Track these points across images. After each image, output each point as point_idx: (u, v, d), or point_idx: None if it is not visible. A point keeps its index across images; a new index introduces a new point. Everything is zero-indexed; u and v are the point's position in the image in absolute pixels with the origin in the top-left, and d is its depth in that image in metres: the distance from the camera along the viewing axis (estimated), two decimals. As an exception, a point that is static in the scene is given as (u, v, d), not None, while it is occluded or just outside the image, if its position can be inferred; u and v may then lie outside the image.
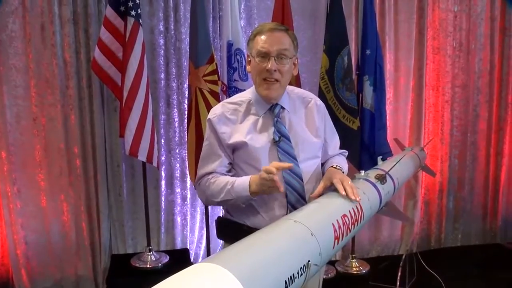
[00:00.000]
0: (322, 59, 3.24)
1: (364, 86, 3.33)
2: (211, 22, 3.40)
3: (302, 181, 1.69)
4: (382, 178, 2.02)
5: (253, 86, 1.76)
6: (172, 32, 3.42)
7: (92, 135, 3.30)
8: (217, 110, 1.75)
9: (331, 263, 3.59)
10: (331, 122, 1.94)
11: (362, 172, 2.02)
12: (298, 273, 1.10)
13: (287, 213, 1.60)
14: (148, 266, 3.22)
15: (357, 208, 1.59)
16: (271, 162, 1.56)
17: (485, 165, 4.21)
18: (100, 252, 3.44)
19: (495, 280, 3.50)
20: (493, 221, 4.30)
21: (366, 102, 3.35)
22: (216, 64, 3.11)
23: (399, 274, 3.13)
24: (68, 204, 3.32)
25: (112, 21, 3.01)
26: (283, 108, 1.75)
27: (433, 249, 4.16)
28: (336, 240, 1.38)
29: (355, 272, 3.51)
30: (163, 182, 3.54)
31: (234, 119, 1.72)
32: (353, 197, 1.55)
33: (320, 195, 1.61)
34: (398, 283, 3.13)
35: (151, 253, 3.30)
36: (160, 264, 3.25)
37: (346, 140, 3.19)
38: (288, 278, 1.06)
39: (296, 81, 3.21)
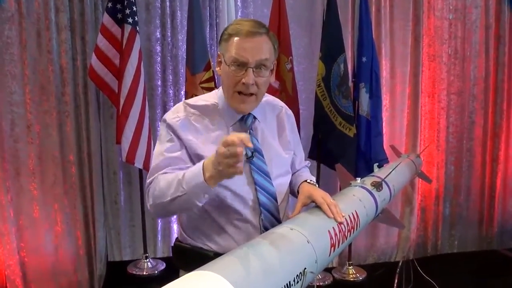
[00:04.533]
0: (319, 67, 3.25)
1: (360, 93, 3.34)
2: (208, 29, 3.42)
3: (276, 201, 1.48)
4: (378, 185, 2.01)
5: (220, 89, 1.52)
6: (169, 39, 3.43)
7: (88, 142, 3.30)
8: (179, 112, 1.47)
9: (328, 270, 3.58)
10: (298, 134, 1.75)
11: (358, 179, 2.01)
12: (294, 280, 1.10)
13: None
14: (144, 273, 3.21)
15: (353, 216, 1.58)
16: (242, 175, 1.26)
17: (481, 172, 4.22)
18: (96, 260, 3.42)
19: (492, 286, 3.50)
20: (489, 227, 4.30)
21: (362, 109, 3.36)
22: (212, 71, 3.11)
23: (396, 281, 3.13)
24: (63, 212, 3.31)
25: (109, 28, 3.02)
26: (254, 117, 1.51)
27: (429, 255, 4.15)
28: (332, 248, 1.38)
29: (352, 279, 3.50)
30: (159, 189, 3.53)
31: (200, 127, 1.45)
32: (339, 219, 1.42)
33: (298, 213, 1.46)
34: (395, 290, 3.12)
35: (148, 260, 3.29)
36: (156, 271, 3.24)
37: (343, 147, 3.21)
38: (285, 286, 1.05)
39: (293, 89, 3.22)
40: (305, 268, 1.16)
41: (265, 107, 1.58)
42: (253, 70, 1.37)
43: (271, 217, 1.46)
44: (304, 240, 1.23)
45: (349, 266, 3.58)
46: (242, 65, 1.37)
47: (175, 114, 1.46)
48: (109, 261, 3.46)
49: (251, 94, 1.42)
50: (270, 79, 1.47)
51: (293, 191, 1.65)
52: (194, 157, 1.41)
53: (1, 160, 3.14)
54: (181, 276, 0.96)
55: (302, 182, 1.59)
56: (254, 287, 0.96)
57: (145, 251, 3.31)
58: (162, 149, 1.42)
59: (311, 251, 1.23)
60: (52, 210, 3.29)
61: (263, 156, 1.48)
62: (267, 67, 1.41)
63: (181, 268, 1.51)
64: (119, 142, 3.00)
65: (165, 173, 1.36)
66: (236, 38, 1.38)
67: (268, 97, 1.62)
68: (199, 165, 1.25)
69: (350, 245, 3.58)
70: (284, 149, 1.59)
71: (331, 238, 1.38)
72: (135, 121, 2.99)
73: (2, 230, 3.18)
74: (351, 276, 3.52)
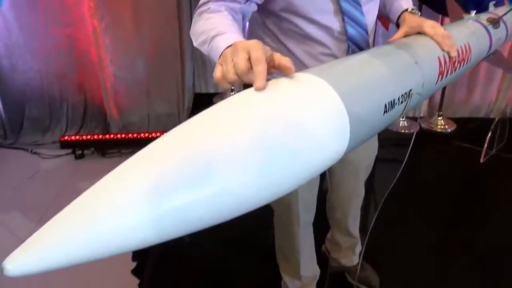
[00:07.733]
0: None
1: None
2: None
3: (367, 34, 1.29)
4: (495, 22, 1.78)
5: None
6: None
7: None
8: None
9: (415, 119, 3.46)
10: None
11: (473, 13, 1.78)
12: (399, 99, 1.01)
13: None
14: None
15: (465, 47, 1.42)
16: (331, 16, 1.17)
17: None
18: (183, 91, 3.52)
19: None
20: None
21: None
22: None
23: (489, 135, 2.97)
24: (155, 37, 3.32)
25: None
26: None
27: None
28: (441, 76, 1.25)
29: (439, 130, 3.37)
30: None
31: None
32: (452, 54, 1.25)
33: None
34: (485, 144, 2.98)
35: (233, 93, 3.33)
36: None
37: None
38: (389, 102, 0.97)
39: None
40: (411, 89, 1.06)
41: None
42: None
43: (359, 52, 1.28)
44: (412, 60, 1.11)
45: (438, 116, 3.42)
46: None
47: None
48: (195, 93, 3.54)
49: None
50: None
51: (386, 16, 1.44)
52: None
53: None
54: None
55: (403, 12, 1.37)
56: (357, 97, 0.88)
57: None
58: None
59: (419, 73, 1.12)
60: (146, 37, 3.31)
61: None
62: None
63: None
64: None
65: (219, 5, 1.07)
66: None
67: None
68: (228, 41, 0.88)
69: (442, 95, 3.39)
70: None
71: (440, 65, 1.24)
72: None
73: (99, 56, 3.30)
74: (440, 127, 3.38)
